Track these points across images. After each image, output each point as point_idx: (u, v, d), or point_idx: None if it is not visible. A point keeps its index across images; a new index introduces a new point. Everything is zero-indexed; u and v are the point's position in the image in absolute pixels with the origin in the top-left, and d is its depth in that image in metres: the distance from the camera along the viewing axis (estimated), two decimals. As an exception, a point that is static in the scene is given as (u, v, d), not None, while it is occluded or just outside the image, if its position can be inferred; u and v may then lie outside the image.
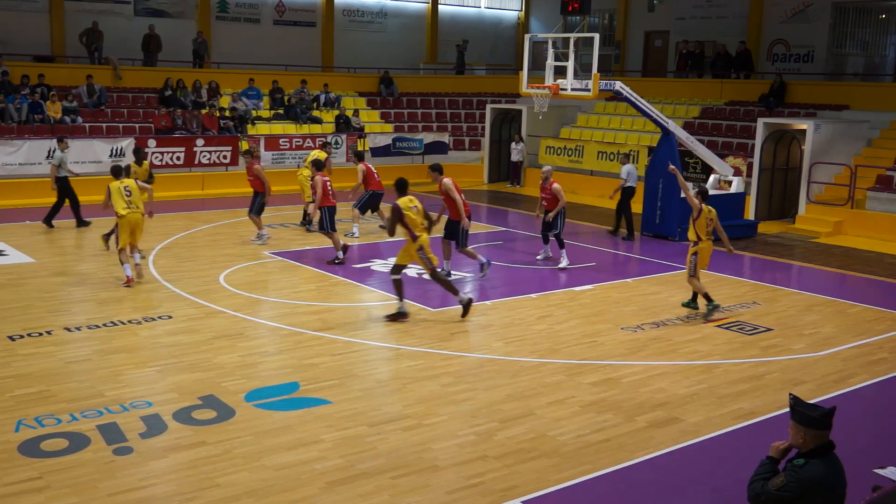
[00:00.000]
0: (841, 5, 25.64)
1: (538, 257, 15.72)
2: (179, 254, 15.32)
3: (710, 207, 12.27)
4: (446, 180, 13.74)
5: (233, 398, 8.69)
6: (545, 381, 9.49)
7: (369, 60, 30.62)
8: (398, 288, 11.69)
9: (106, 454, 7.37)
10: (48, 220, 17.22)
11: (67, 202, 17.30)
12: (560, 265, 15.01)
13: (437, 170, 14.02)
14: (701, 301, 12.40)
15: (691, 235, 12.31)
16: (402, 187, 11.87)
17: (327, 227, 14.88)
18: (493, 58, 33.98)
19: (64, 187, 17.18)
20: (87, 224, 17.37)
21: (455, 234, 13.93)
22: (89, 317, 11.35)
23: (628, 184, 18.11)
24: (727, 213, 18.71)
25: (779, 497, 4.71)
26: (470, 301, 11.78)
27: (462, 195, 13.92)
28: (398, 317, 11.58)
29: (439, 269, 12.73)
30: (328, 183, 14.94)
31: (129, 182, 13.18)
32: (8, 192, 20.08)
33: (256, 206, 16.25)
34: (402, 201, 11.58)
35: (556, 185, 15.05)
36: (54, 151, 17.90)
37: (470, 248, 14.20)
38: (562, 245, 15.16)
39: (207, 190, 22.55)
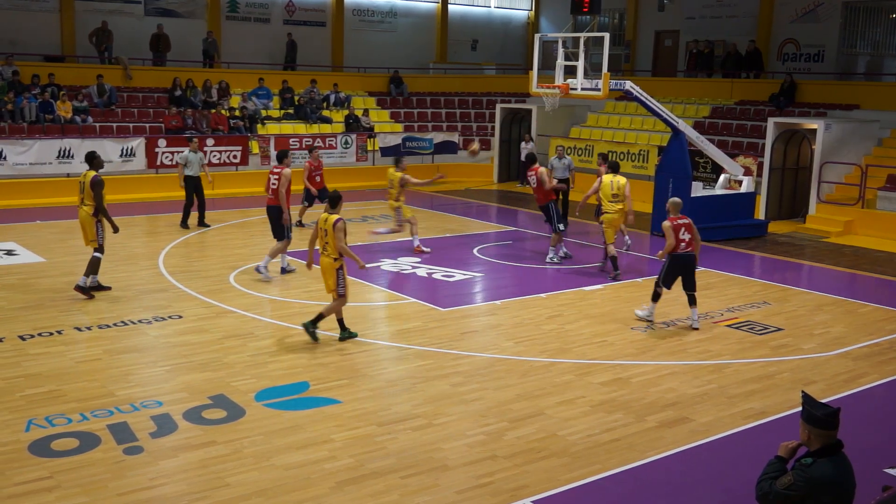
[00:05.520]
0: (851, 5, 25.52)
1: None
2: (189, 253, 15.36)
3: None
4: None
5: (243, 398, 8.71)
6: (555, 380, 9.49)
7: (379, 60, 30.64)
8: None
9: (116, 454, 7.39)
10: (183, 222, 17.65)
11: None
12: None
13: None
14: None
15: None
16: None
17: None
18: (502, 57, 33.94)
19: (190, 186, 17.52)
20: (207, 226, 17.78)
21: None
22: (99, 316, 11.38)
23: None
24: (738, 212, 18.71)
25: (787, 496, 4.70)
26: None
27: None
28: None
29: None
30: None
31: (88, 177, 12.18)
32: (19, 191, 20.15)
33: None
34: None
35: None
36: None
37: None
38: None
39: (217, 190, 22.55)
